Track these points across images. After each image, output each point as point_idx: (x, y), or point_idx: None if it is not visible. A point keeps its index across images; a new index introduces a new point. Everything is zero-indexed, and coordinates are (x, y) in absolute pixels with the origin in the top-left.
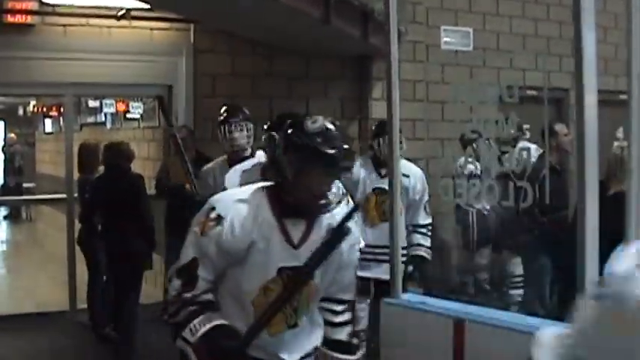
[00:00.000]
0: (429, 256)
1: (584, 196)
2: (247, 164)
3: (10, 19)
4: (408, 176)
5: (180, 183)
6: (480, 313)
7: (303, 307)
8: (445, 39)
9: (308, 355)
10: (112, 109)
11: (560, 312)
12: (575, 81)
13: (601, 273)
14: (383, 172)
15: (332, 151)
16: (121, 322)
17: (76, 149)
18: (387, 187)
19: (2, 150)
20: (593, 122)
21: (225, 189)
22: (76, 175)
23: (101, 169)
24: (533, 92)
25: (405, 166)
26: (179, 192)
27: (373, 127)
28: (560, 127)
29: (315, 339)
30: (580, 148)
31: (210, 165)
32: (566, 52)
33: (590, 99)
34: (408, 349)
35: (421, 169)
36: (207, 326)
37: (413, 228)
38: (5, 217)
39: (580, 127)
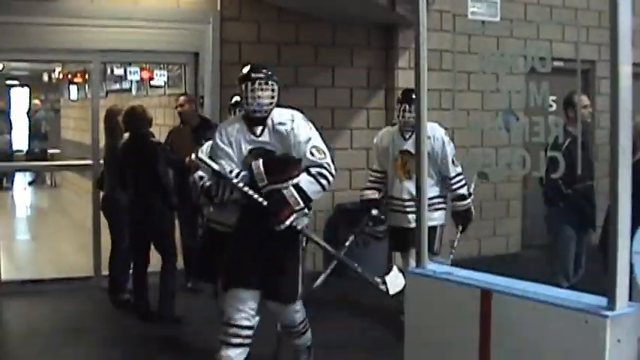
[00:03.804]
0: None
1: (617, 168)
2: None
3: None
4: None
5: (179, 158)
6: (507, 283)
7: None
8: (472, 9)
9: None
10: (137, 77)
11: (585, 283)
12: (610, 51)
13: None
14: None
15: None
16: (139, 289)
17: (101, 116)
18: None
19: (27, 116)
20: (627, 93)
21: None
22: (102, 141)
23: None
24: (560, 64)
25: None
26: (177, 166)
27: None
28: (584, 99)
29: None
30: (614, 120)
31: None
32: (593, 23)
33: (625, 69)
34: (434, 319)
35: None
36: None
37: None
38: (30, 183)
39: (614, 99)
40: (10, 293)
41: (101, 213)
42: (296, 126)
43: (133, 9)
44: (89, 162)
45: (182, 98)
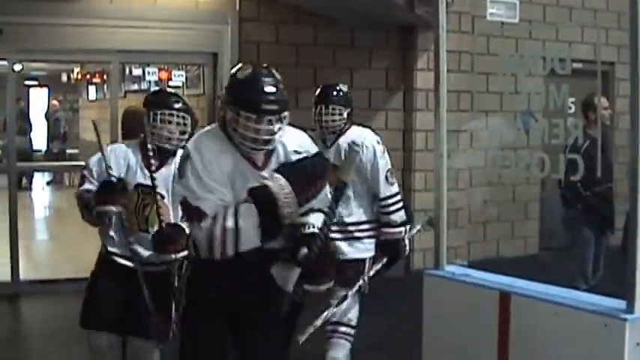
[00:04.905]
0: None
1: (637, 170)
2: None
3: None
4: None
5: None
6: (526, 286)
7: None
8: (491, 10)
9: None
10: (155, 77)
11: (604, 286)
12: (629, 52)
13: None
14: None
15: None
16: None
17: (120, 116)
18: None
19: (45, 116)
20: None
21: None
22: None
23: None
24: (579, 65)
25: None
26: None
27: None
28: (603, 101)
29: None
30: (634, 122)
31: None
32: (612, 24)
33: None
34: (452, 321)
35: None
36: None
37: None
38: (48, 183)
39: (634, 101)
40: (28, 293)
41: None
42: (302, 141)
43: (151, 10)
44: None
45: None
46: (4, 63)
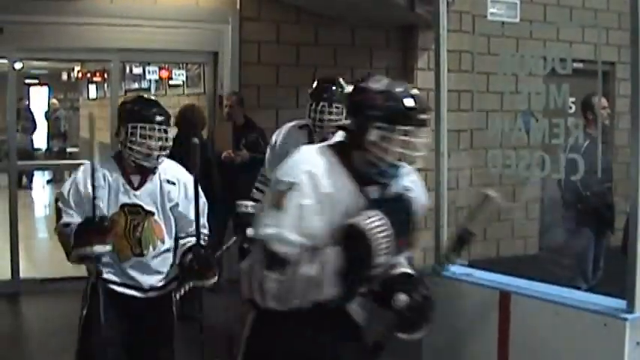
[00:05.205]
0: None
1: (637, 170)
2: None
3: None
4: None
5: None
6: (526, 286)
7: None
8: (491, 10)
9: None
10: (156, 76)
11: (604, 286)
12: (630, 52)
13: None
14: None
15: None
16: None
17: None
18: None
19: (45, 115)
20: None
21: None
22: None
23: None
24: (580, 65)
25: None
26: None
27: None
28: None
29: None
30: (634, 122)
31: None
32: (613, 24)
33: None
34: (452, 320)
35: None
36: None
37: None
38: (49, 182)
39: (635, 101)
40: (29, 292)
41: None
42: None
43: (152, 8)
44: None
45: (233, 98)
46: (5, 61)
